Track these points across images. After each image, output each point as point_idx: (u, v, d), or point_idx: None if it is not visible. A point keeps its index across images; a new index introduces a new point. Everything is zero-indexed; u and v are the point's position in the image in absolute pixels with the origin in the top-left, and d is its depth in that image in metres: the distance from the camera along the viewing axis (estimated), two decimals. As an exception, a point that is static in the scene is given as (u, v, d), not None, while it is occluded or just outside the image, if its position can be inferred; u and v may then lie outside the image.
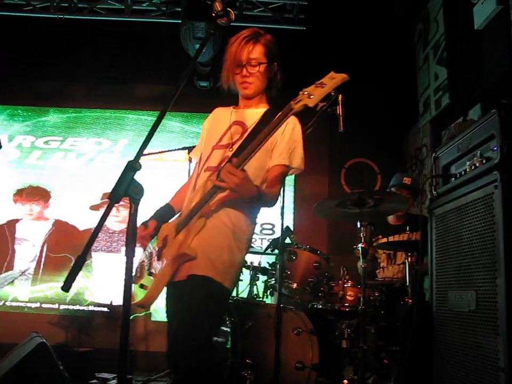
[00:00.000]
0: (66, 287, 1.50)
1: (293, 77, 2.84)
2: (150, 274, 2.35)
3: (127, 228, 1.61)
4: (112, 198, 1.57)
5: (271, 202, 2.35)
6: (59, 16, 5.53)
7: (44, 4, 5.55)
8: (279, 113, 2.08)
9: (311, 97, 1.97)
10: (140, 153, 1.66)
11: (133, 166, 1.59)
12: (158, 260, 2.34)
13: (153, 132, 1.74)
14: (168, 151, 4.95)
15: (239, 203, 2.30)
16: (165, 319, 2.45)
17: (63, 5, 5.53)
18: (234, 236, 2.30)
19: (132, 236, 1.59)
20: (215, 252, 2.26)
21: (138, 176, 1.60)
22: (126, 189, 1.57)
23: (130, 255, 1.59)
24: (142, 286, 2.33)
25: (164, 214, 2.51)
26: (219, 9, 2.00)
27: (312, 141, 2.69)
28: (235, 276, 2.35)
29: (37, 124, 6.19)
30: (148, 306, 2.32)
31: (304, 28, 5.59)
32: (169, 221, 2.49)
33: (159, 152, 5.13)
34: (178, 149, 4.52)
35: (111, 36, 5.78)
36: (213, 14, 2.01)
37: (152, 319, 5.50)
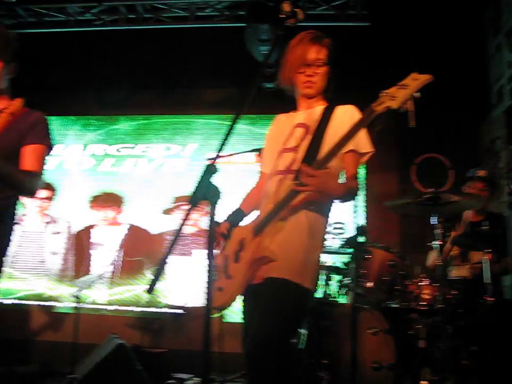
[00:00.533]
0: (150, 290, 1.56)
1: (359, 74, 2.81)
2: (228, 277, 2.36)
3: (208, 231, 1.65)
4: (192, 202, 1.62)
5: (354, 197, 2.35)
6: (127, 28, 5.69)
7: (113, 17, 5.73)
8: (360, 118, 2.08)
9: (394, 99, 1.95)
10: (216, 157, 1.71)
11: (211, 170, 1.63)
12: (235, 262, 2.36)
13: (228, 135, 1.77)
14: (237, 153, 4.98)
15: (318, 203, 2.31)
16: (238, 320, 2.46)
17: (130, 16, 5.69)
18: (309, 235, 2.30)
19: (212, 238, 1.61)
20: (292, 253, 2.25)
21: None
22: (205, 193, 1.61)
23: (211, 256, 1.62)
24: (219, 289, 2.36)
25: (235, 217, 2.55)
26: (287, 10, 2.01)
27: (381, 138, 2.65)
28: (315, 274, 2.33)
29: (109, 133, 6.39)
30: (225, 308, 2.34)
31: (369, 24, 5.50)
32: (242, 224, 2.52)
33: (229, 155, 5.19)
34: (248, 151, 4.54)
35: (175, 42, 5.87)
36: (281, 16, 2.02)
37: (226, 320, 5.55)
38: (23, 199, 6.19)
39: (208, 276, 1.60)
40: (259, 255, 2.26)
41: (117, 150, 6.32)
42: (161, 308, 5.75)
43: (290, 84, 2.49)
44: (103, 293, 5.89)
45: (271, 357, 2.09)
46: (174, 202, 6.03)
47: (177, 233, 1.64)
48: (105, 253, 6.05)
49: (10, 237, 2.46)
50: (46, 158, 2.49)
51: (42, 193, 6.24)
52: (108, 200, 6.19)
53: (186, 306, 5.66)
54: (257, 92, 1.86)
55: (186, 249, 5.87)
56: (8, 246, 2.45)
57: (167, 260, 1.63)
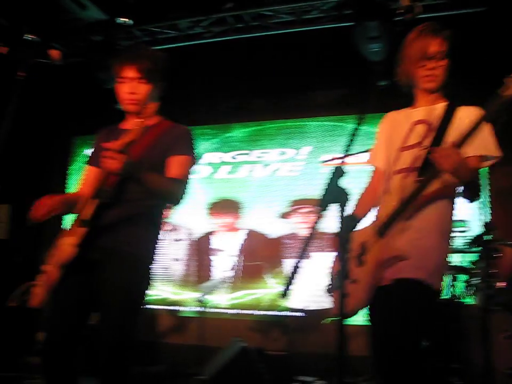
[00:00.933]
0: (284, 295, 1.63)
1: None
2: (353, 282, 2.31)
3: (338, 233, 1.66)
4: (322, 205, 1.63)
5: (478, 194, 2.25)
6: (236, 37, 5.80)
7: (222, 28, 5.87)
8: (488, 104, 1.98)
9: None
10: (343, 159, 1.73)
11: (338, 172, 1.64)
12: (359, 266, 2.32)
13: (354, 136, 1.87)
14: (352, 154, 4.90)
15: (445, 199, 2.25)
16: (361, 323, 2.40)
17: (238, 26, 5.80)
18: (439, 232, 2.23)
19: (343, 241, 1.61)
20: (424, 252, 2.19)
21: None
22: (334, 195, 1.62)
23: (343, 259, 1.64)
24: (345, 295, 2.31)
25: (348, 223, 2.49)
26: (406, 4, 1.96)
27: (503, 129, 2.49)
28: (443, 276, 2.26)
29: (224, 140, 6.55)
30: (353, 315, 2.27)
31: (485, 8, 5.19)
32: (358, 229, 2.47)
33: (343, 157, 5.11)
34: (362, 152, 4.45)
35: (283, 48, 5.90)
36: (399, 11, 1.98)
37: (349, 322, 5.46)
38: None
39: (340, 278, 1.59)
40: (388, 256, 2.20)
41: (232, 157, 6.46)
42: (282, 311, 5.78)
43: (409, 79, 2.42)
44: (224, 297, 6.03)
45: (405, 362, 2.06)
46: (291, 206, 6.05)
47: (310, 237, 1.64)
48: (225, 258, 6.19)
49: (154, 245, 2.59)
50: (191, 169, 2.61)
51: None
52: (225, 207, 6.34)
53: (306, 309, 5.65)
54: (370, 90, 1.83)
55: (306, 253, 5.84)
56: (152, 255, 2.57)
57: (300, 264, 1.65)
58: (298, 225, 5.99)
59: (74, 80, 6.18)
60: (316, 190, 5.88)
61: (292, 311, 5.73)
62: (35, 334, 6.18)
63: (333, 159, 5.44)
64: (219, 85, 6.24)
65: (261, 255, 6.05)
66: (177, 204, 2.56)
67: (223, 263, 6.19)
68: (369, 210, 2.51)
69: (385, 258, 2.20)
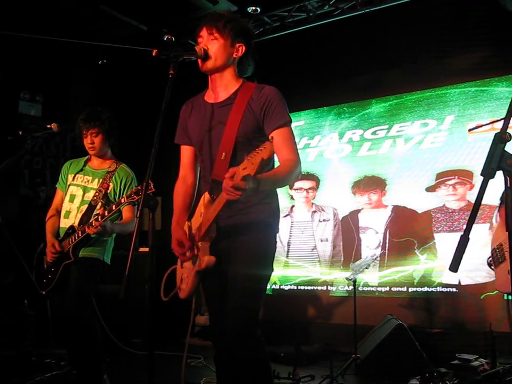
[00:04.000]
0: (454, 268, 1.54)
1: None
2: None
3: (506, 204, 1.55)
4: (486, 174, 1.52)
5: None
6: (365, 11, 5.70)
7: (351, 3, 5.80)
8: None
9: None
10: (506, 124, 1.58)
11: (502, 138, 1.53)
12: None
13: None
14: (501, 119, 4.62)
15: None
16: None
17: (366, -1, 5.70)
18: None
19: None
20: None
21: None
22: (499, 162, 1.51)
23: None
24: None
25: None
26: None
27: None
28: None
29: (363, 117, 6.46)
30: None
31: None
32: None
33: (491, 122, 4.85)
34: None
35: (415, 15, 5.67)
36: None
37: (507, 297, 5.17)
38: (292, 192, 6.64)
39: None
40: None
41: (372, 133, 6.36)
42: (435, 287, 5.62)
43: None
44: (374, 275, 5.99)
45: None
46: (437, 179, 5.84)
47: (475, 208, 1.54)
48: (373, 235, 6.14)
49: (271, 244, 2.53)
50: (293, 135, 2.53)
51: (306, 184, 6.61)
52: (370, 184, 6.28)
53: (460, 284, 5.44)
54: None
55: (456, 225, 5.64)
56: (271, 254, 2.52)
57: (468, 236, 1.55)
58: (446, 198, 5.77)
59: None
60: (462, 160, 5.65)
61: (445, 287, 5.55)
62: (194, 317, 6.58)
63: (479, 127, 5.16)
64: (352, 61, 6.18)
65: (409, 231, 5.92)
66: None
67: (371, 241, 6.14)
68: None
69: None
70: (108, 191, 3.74)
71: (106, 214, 3.44)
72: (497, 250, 2.24)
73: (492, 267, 3.66)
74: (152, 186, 2.78)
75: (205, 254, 2.35)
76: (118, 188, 3.77)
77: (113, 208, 3.41)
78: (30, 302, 4.74)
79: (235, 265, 2.37)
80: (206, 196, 2.41)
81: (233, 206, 2.35)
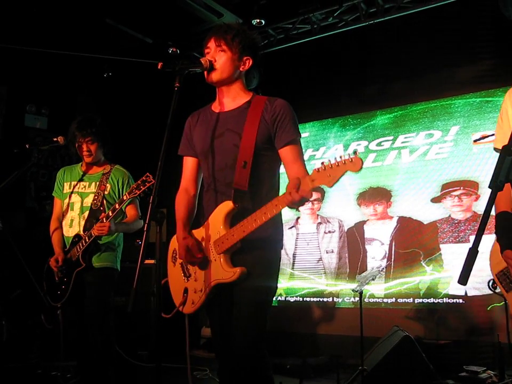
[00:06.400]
0: (463, 281, 1.51)
1: None
2: None
3: None
4: (495, 187, 1.52)
5: None
6: (369, 23, 5.73)
7: (354, 15, 5.84)
8: None
9: None
10: (482, 138, 1.59)
11: (510, 151, 1.52)
12: None
13: None
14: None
15: None
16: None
17: (371, 10, 5.73)
18: None
19: None
20: None
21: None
22: (507, 175, 1.51)
23: None
24: None
25: None
26: None
27: None
28: None
29: (368, 128, 6.47)
30: None
31: None
32: None
33: (493, 135, 4.85)
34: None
35: (419, 26, 5.69)
36: None
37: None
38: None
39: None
40: None
41: (377, 144, 6.36)
42: (440, 298, 5.59)
43: None
44: (380, 287, 5.96)
45: None
46: (442, 190, 5.84)
47: (484, 219, 1.52)
48: (378, 247, 6.12)
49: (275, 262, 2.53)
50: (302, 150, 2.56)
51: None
52: (375, 195, 6.27)
53: (467, 295, 5.41)
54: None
55: (462, 236, 5.62)
56: (277, 266, 2.52)
57: (477, 249, 1.51)
58: (452, 209, 5.75)
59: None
60: (467, 171, 5.64)
61: (452, 298, 5.52)
62: (200, 329, 6.56)
63: (484, 137, 5.15)
64: (357, 73, 6.20)
65: (414, 242, 5.90)
66: None
67: (377, 252, 6.12)
68: None
69: None
70: (106, 192, 3.79)
71: (110, 214, 3.49)
72: (507, 275, 2.22)
73: (497, 291, 3.61)
74: (151, 178, 2.93)
75: (229, 265, 2.34)
76: (116, 188, 3.83)
77: (117, 207, 3.46)
78: (46, 316, 4.75)
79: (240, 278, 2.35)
80: (228, 204, 2.37)
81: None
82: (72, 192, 3.87)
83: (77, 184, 3.89)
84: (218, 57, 2.49)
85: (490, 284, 3.54)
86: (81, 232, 3.68)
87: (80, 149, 3.84)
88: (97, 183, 3.82)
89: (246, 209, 2.33)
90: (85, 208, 3.78)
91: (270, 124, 2.45)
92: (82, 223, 3.73)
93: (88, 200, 3.79)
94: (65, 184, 3.94)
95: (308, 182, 2.05)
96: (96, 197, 3.77)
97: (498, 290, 2.43)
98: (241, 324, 2.32)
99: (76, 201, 3.83)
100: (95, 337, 3.54)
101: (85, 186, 3.86)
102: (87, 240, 3.59)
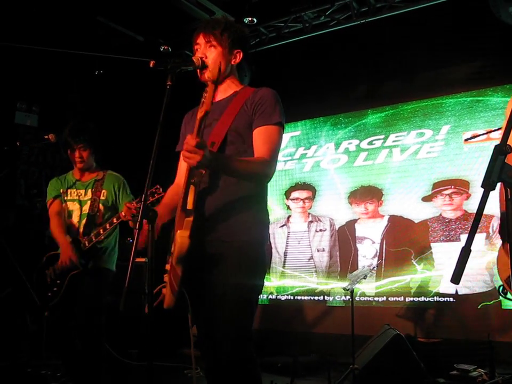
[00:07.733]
0: (456, 280, 1.52)
1: None
2: None
3: (507, 215, 1.56)
4: (487, 186, 1.51)
5: None
6: (361, 22, 5.74)
7: (346, 14, 5.85)
8: None
9: None
10: (506, 136, 1.58)
11: (502, 150, 1.52)
12: None
13: None
14: (497, 129, 4.65)
15: None
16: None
17: (362, 10, 5.74)
18: None
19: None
20: None
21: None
22: (500, 174, 1.51)
23: None
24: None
25: None
26: None
27: None
28: None
29: (359, 127, 6.48)
30: None
31: None
32: None
33: (487, 133, 4.89)
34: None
35: (411, 26, 5.70)
36: None
37: (505, 307, 5.17)
38: (288, 202, 6.64)
39: None
40: None
41: (369, 143, 6.37)
42: (431, 296, 5.61)
43: None
44: (371, 285, 5.98)
45: None
46: (433, 188, 5.86)
47: (477, 218, 1.52)
48: (369, 245, 6.14)
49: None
50: (280, 139, 2.47)
51: (303, 194, 6.62)
52: (366, 194, 6.28)
53: (457, 294, 5.43)
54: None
55: (453, 235, 5.64)
56: (262, 263, 2.47)
57: (470, 248, 1.52)
58: (443, 207, 5.77)
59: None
60: (458, 170, 5.66)
61: (442, 297, 5.54)
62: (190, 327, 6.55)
63: (474, 136, 5.18)
64: (348, 71, 6.21)
65: (406, 241, 5.92)
66: (267, 182, 2.44)
67: (368, 251, 6.13)
68: None
69: None
70: (103, 198, 3.82)
71: (115, 221, 3.56)
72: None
73: (508, 296, 3.58)
74: (161, 191, 2.86)
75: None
76: (113, 192, 3.87)
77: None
78: (31, 316, 4.72)
79: (224, 275, 2.31)
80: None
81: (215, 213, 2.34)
82: (69, 200, 3.90)
83: (74, 192, 3.90)
84: (209, 53, 2.48)
85: (501, 290, 3.52)
86: (81, 237, 3.70)
87: (72, 155, 3.85)
88: (92, 189, 3.84)
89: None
90: (83, 216, 3.81)
91: (250, 110, 2.42)
92: (81, 230, 3.76)
93: (86, 208, 3.82)
94: (61, 190, 3.94)
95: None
96: (92, 203, 3.79)
97: (510, 296, 2.42)
98: (225, 323, 2.28)
99: (75, 209, 3.86)
100: (86, 336, 3.52)
101: (81, 194, 3.89)
102: (87, 245, 3.61)
